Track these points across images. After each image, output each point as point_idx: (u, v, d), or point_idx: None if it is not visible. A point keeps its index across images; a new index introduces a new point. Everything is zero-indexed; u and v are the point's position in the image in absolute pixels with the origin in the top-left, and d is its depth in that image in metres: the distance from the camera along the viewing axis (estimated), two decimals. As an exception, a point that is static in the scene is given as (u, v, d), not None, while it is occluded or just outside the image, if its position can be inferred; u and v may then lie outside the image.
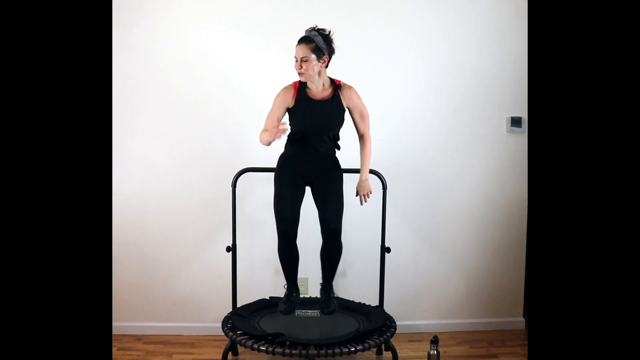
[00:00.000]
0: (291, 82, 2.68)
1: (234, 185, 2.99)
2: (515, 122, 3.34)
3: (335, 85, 2.68)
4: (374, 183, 3.05)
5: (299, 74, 2.60)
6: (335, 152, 2.78)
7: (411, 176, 3.32)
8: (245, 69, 3.20)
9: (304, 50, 2.56)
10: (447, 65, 3.29)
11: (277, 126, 2.51)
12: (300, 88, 2.66)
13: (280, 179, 2.72)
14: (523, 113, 3.32)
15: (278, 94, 2.68)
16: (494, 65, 3.30)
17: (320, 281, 2.86)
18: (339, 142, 2.77)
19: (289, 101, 2.66)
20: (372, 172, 3.03)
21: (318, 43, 2.56)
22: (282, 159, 2.76)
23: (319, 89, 2.66)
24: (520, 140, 3.35)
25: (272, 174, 2.79)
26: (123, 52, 3.09)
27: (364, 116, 2.72)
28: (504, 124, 3.35)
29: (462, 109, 3.32)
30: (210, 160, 3.23)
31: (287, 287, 2.84)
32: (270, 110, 2.67)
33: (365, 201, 2.78)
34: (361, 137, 2.77)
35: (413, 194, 3.33)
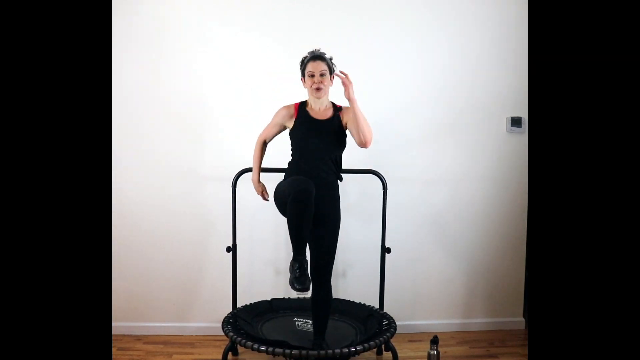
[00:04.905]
0: (292, 103, 2.66)
1: (234, 185, 2.99)
2: (515, 122, 3.34)
3: (336, 108, 2.65)
4: (375, 183, 3.06)
5: (317, 89, 2.54)
6: (337, 181, 2.66)
7: (411, 176, 3.32)
8: (247, 68, 3.20)
9: (322, 66, 2.55)
10: (448, 65, 3.29)
11: (262, 193, 2.78)
12: (301, 108, 2.63)
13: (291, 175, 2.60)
14: (523, 113, 3.32)
15: (279, 110, 2.66)
16: (494, 65, 3.31)
17: (312, 338, 2.74)
18: (341, 173, 2.67)
19: (287, 120, 2.63)
20: (372, 172, 3.04)
21: (328, 62, 2.57)
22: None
23: (321, 109, 2.63)
24: (520, 140, 3.35)
25: (272, 174, 2.80)
26: (122, 51, 3.10)
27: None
28: (504, 124, 3.35)
29: (462, 109, 3.32)
30: (210, 160, 3.23)
31: (296, 257, 2.48)
32: (268, 125, 2.68)
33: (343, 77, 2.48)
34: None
35: (413, 194, 3.33)
